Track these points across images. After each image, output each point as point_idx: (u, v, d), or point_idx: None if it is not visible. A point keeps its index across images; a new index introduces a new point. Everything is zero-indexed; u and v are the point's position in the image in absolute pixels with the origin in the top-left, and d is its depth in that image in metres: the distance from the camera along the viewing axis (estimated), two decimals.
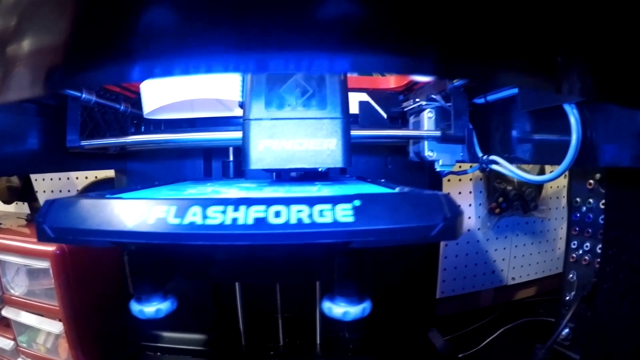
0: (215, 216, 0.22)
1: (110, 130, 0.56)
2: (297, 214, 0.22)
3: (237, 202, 0.22)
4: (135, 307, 0.31)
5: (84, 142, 0.49)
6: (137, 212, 0.25)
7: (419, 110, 0.53)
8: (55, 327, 0.58)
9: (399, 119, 0.59)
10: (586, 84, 0.19)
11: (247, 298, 0.62)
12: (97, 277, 0.61)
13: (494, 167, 0.46)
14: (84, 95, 0.48)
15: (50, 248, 0.55)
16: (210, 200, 0.23)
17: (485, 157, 0.48)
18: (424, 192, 0.25)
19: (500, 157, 0.46)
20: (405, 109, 0.58)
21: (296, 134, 0.37)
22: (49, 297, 0.58)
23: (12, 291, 0.61)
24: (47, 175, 0.87)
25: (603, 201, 0.60)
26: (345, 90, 0.39)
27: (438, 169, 0.51)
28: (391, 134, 0.53)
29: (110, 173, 0.78)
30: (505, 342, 0.80)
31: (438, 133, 0.48)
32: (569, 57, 0.18)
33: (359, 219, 0.22)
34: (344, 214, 0.22)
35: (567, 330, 0.63)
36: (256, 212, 0.22)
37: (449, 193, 0.26)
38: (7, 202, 0.81)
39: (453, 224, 0.24)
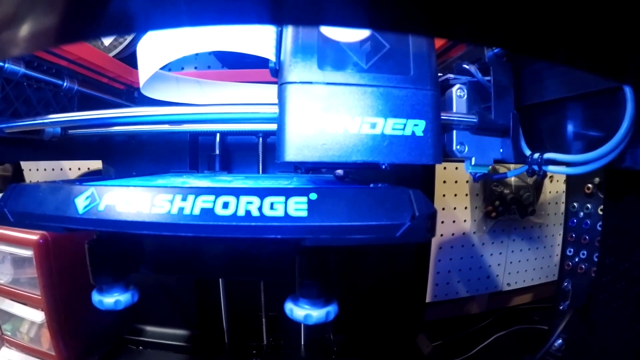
0: (162, 205, 0.21)
1: (48, 111, 0.46)
2: (247, 205, 0.20)
3: (185, 191, 0.21)
4: (96, 297, 0.31)
5: (2, 125, 0.38)
6: (87, 199, 0.24)
7: (443, 87, 0.40)
8: (38, 316, 0.58)
9: None
10: None
11: (231, 295, 0.61)
12: (81, 268, 0.60)
13: (552, 168, 0.35)
14: (6, 65, 0.38)
15: (33, 237, 0.54)
16: (159, 189, 0.22)
17: (537, 155, 0.35)
18: (391, 188, 0.24)
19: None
20: None
21: (366, 110, 0.25)
22: (32, 286, 0.57)
23: None
24: (41, 166, 0.88)
25: (601, 207, 0.58)
26: (433, 50, 0.28)
27: (469, 170, 0.37)
28: None
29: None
30: (497, 350, 0.78)
31: (474, 118, 0.34)
32: None
33: (313, 214, 0.20)
34: (297, 207, 0.20)
35: (559, 341, 0.60)
36: (204, 202, 0.21)
37: (420, 191, 0.25)
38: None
39: (422, 224, 0.22)
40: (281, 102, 0.26)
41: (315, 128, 0.25)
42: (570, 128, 0.36)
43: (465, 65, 0.38)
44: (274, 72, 0.29)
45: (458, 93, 0.37)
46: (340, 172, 0.34)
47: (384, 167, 0.28)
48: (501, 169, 0.76)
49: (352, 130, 0.25)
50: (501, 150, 0.37)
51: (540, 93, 0.37)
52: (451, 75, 0.38)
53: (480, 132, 0.36)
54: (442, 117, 0.34)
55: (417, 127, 0.26)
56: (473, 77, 0.37)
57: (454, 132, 0.36)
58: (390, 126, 0.26)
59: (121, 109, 0.33)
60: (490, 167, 0.37)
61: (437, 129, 0.27)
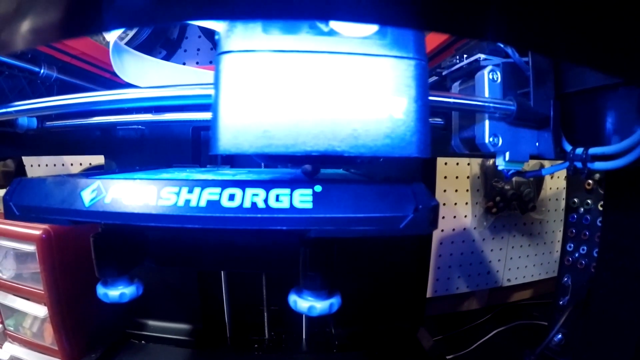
0: (169, 197, 0.21)
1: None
2: (252, 197, 0.20)
3: (191, 184, 0.21)
4: (100, 290, 0.31)
5: None
6: (94, 191, 0.24)
7: (471, 70, 0.34)
8: (41, 311, 0.58)
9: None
10: None
11: (233, 289, 0.62)
12: (83, 263, 0.60)
13: (599, 165, 0.30)
14: None
15: (36, 232, 0.54)
16: (165, 182, 0.22)
17: (582, 150, 0.30)
18: (394, 181, 0.24)
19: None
20: (446, 72, 0.39)
21: (324, 84, 0.20)
22: (35, 281, 0.57)
23: (0, 274, 0.60)
24: (43, 162, 0.88)
25: (602, 203, 0.58)
26: None
27: (502, 167, 0.32)
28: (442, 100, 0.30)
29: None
30: (497, 345, 0.79)
31: (512, 105, 0.30)
32: None
33: (319, 206, 0.21)
34: (302, 199, 0.21)
35: (559, 336, 0.61)
36: (210, 194, 0.21)
37: (423, 184, 0.25)
38: (2, 186, 0.81)
39: (425, 216, 0.23)
40: (216, 78, 0.20)
41: (255, 110, 0.19)
42: (614, 120, 0.31)
43: (500, 44, 0.32)
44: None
45: (491, 76, 0.31)
46: (307, 167, 0.27)
47: (359, 161, 0.23)
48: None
49: (304, 112, 0.19)
50: (537, 144, 0.32)
51: (581, 79, 0.32)
52: (482, 56, 0.32)
53: (517, 122, 0.31)
54: (475, 103, 0.30)
55: (395, 108, 0.20)
56: (508, 58, 0.32)
57: (487, 121, 0.31)
58: (360, 107, 0.20)
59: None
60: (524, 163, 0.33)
61: (423, 111, 0.21)
